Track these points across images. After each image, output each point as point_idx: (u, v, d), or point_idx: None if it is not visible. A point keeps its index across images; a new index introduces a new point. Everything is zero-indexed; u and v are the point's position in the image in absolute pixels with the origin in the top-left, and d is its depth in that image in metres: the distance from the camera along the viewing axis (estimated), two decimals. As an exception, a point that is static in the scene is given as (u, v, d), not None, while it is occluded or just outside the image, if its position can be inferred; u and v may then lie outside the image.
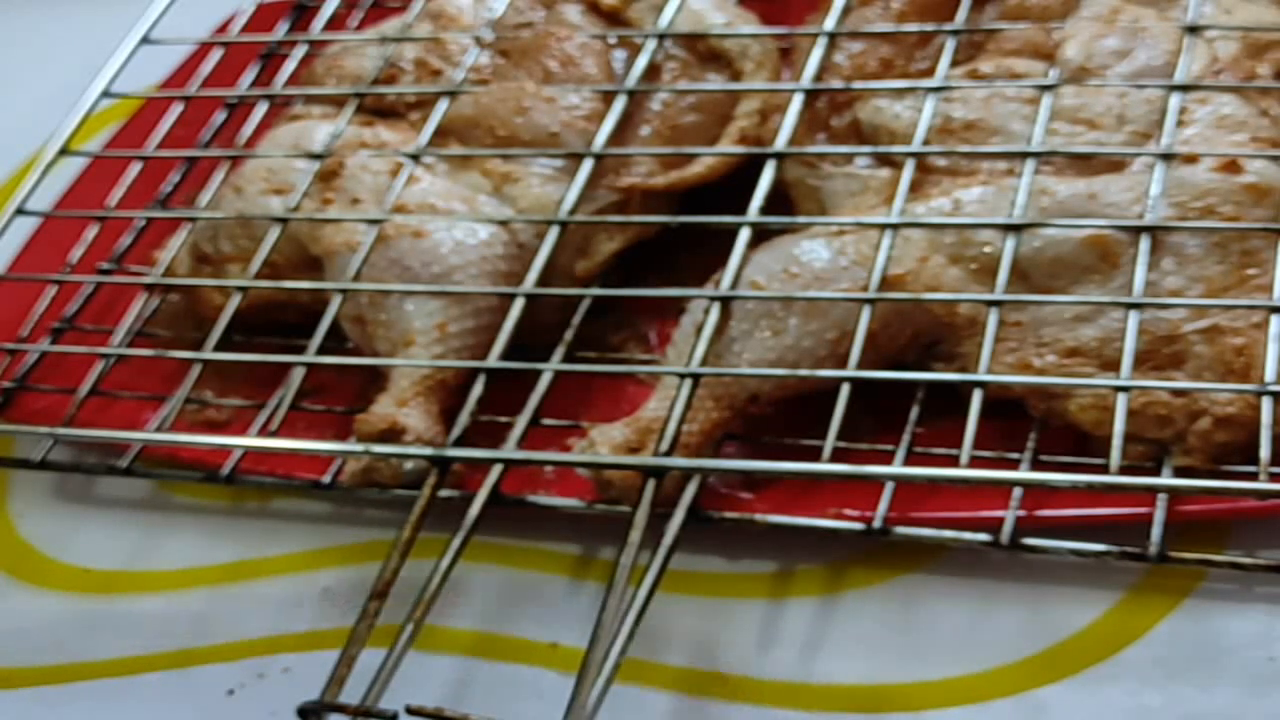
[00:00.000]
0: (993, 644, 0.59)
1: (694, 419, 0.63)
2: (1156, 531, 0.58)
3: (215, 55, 0.87)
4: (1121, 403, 0.58)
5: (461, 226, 0.71)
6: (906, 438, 0.63)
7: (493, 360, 0.65)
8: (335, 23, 0.87)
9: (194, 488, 0.72)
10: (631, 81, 0.75)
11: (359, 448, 0.64)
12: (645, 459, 0.60)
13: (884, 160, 0.70)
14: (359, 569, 0.67)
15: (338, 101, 0.80)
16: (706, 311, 0.64)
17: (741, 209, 0.67)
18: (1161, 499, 0.58)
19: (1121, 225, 0.63)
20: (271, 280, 0.72)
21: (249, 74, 0.87)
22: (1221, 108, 0.67)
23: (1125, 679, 0.57)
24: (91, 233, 0.79)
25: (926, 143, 0.69)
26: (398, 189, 0.73)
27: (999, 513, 0.60)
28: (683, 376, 0.62)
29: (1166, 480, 0.59)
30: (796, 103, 0.71)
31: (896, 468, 0.62)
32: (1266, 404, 0.57)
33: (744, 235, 0.66)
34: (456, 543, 0.60)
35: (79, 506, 0.73)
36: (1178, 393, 0.60)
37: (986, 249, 0.64)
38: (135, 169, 0.81)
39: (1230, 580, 0.59)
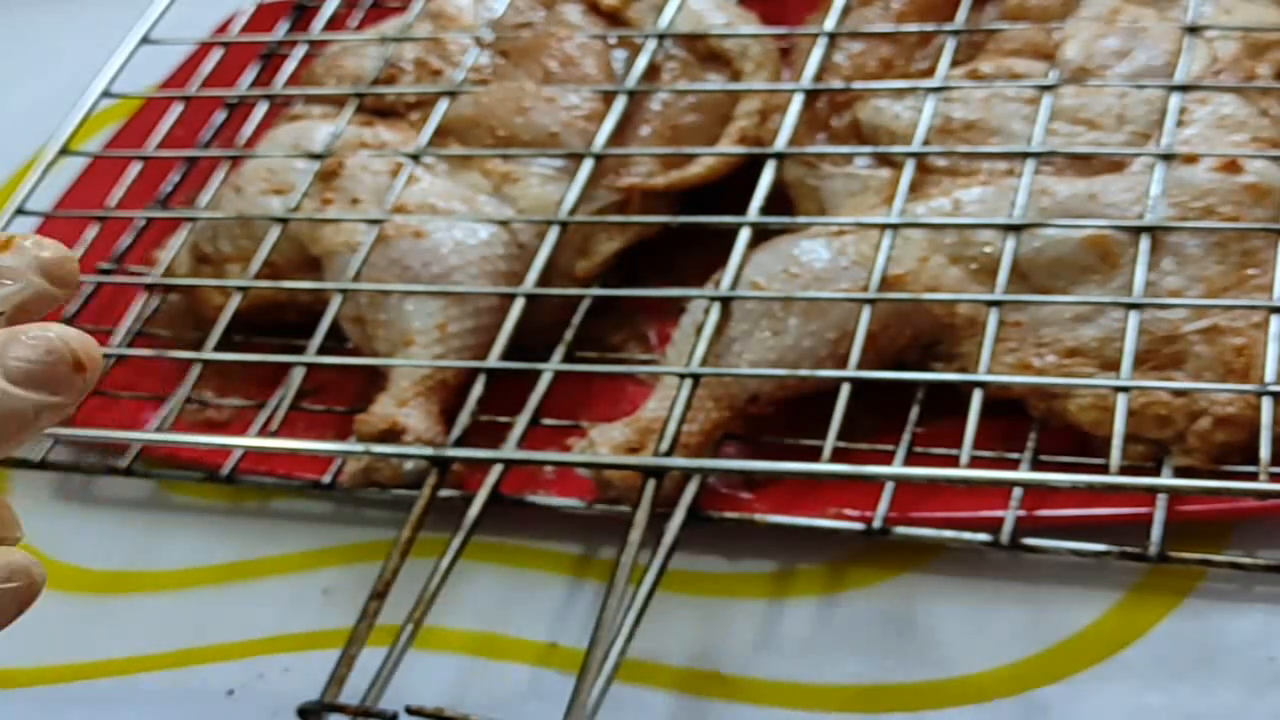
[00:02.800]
0: (993, 644, 0.59)
1: (694, 419, 0.63)
2: (1156, 531, 0.58)
3: (215, 55, 0.87)
4: (1121, 403, 0.58)
5: (461, 226, 0.71)
6: (906, 438, 0.63)
7: (493, 360, 0.65)
8: (335, 23, 0.87)
9: (194, 488, 0.72)
10: (631, 81, 0.75)
11: (359, 448, 0.64)
12: (645, 459, 0.60)
13: (884, 160, 0.70)
14: (359, 569, 0.67)
15: (338, 101, 0.80)
16: (706, 311, 0.64)
17: (741, 209, 0.67)
18: (1161, 499, 0.58)
19: (1121, 225, 0.63)
20: (271, 280, 0.72)
21: (249, 74, 0.87)
22: (1221, 108, 0.67)
23: (1125, 679, 0.57)
24: (91, 233, 0.79)
25: (926, 143, 0.68)
26: (398, 189, 0.73)
27: (999, 513, 0.60)
28: (683, 376, 0.62)
29: (1166, 480, 0.59)
30: (796, 103, 0.71)
31: (896, 468, 0.62)
32: (1266, 404, 0.57)
33: (744, 235, 0.66)
34: (456, 543, 0.60)
35: (79, 506, 0.73)
36: (1178, 393, 0.60)
37: (986, 249, 0.64)
38: (135, 169, 0.81)
39: (1230, 580, 0.59)
